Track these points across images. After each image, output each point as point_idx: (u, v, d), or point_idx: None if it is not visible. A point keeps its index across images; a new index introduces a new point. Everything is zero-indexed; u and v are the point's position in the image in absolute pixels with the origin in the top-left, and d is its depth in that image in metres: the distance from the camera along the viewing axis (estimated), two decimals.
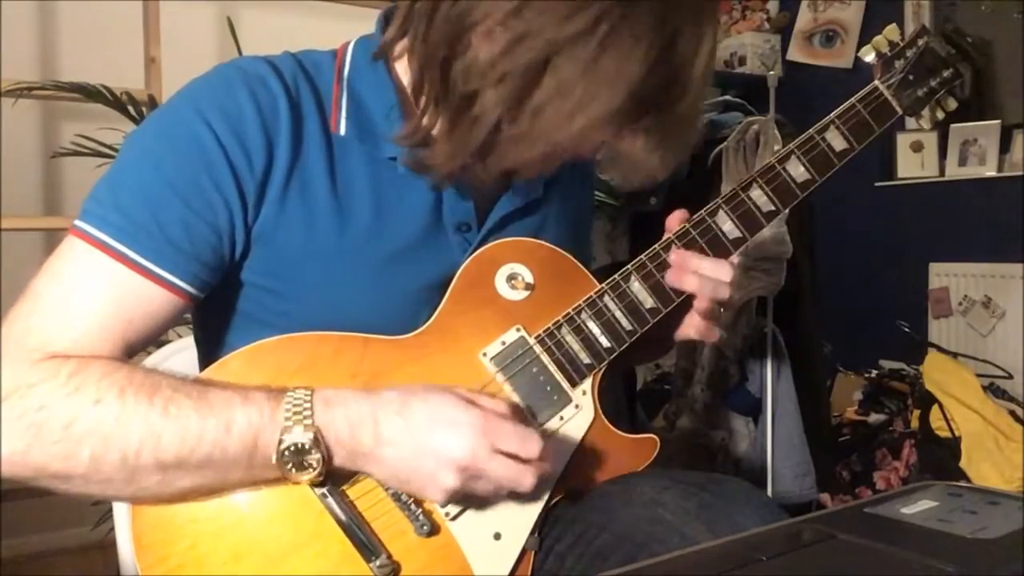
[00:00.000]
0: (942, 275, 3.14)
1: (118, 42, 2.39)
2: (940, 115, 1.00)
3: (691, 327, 0.93)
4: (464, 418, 0.72)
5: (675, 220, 0.91)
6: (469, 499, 0.77)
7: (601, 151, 0.82)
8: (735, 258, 0.90)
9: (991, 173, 3.10)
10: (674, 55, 0.69)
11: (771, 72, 1.92)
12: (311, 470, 0.71)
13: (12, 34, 2.35)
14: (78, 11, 2.46)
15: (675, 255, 0.88)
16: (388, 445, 0.72)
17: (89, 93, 1.95)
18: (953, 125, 3.17)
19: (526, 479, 0.73)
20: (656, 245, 0.89)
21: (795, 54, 3.71)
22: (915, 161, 3.26)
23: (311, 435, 0.70)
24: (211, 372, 0.78)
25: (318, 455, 0.71)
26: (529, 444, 0.73)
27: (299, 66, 0.82)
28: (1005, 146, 3.10)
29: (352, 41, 0.86)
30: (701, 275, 0.87)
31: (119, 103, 1.95)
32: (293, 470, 0.71)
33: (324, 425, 0.71)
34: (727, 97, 2.24)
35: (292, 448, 0.70)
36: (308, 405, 0.72)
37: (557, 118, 0.69)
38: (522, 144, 0.72)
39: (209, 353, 0.87)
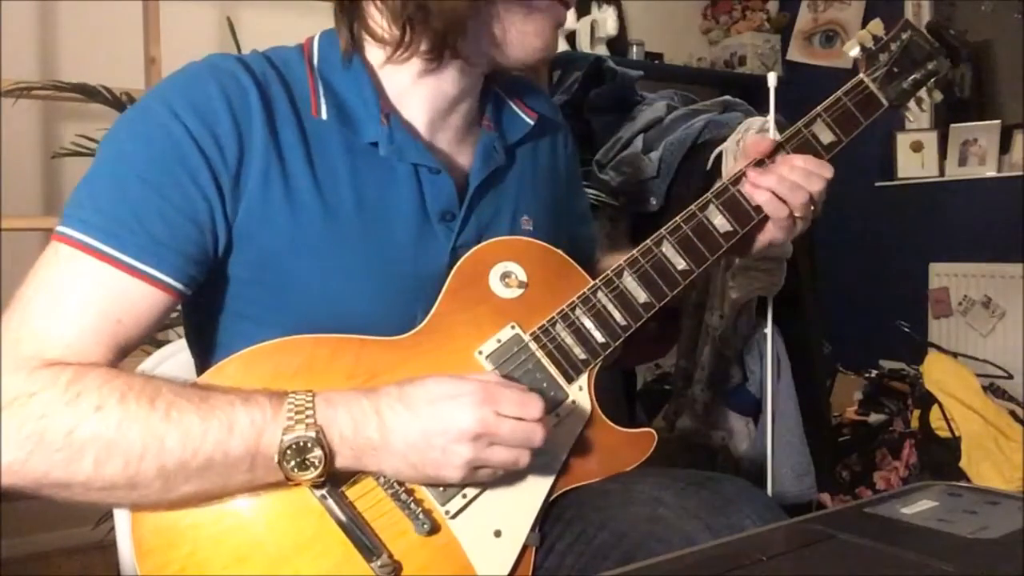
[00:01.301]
0: (942, 275, 3.15)
1: (118, 42, 2.39)
2: (925, 107, 1.02)
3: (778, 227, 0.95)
4: (462, 389, 0.73)
5: (761, 145, 0.93)
6: (485, 478, 0.77)
7: None
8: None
9: (991, 173, 3.10)
10: None
11: (771, 72, 1.91)
12: (312, 469, 0.71)
13: (12, 34, 2.34)
14: (78, 11, 2.46)
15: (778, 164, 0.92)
16: (395, 433, 0.73)
17: (89, 93, 1.95)
18: (953, 125, 3.17)
19: (537, 435, 0.74)
20: (648, 240, 0.90)
21: (795, 54, 3.71)
22: (915, 161, 3.27)
23: (313, 433, 0.71)
24: (208, 376, 0.77)
25: (320, 453, 0.71)
26: (530, 404, 0.75)
27: (268, 62, 0.84)
28: (1005, 146, 3.10)
29: (316, 35, 0.88)
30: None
31: (119, 103, 1.96)
32: (295, 469, 0.71)
33: (326, 423, 0.72)
34: (727, 97, 2.24)
35: (294, 446, 0.70)
36: (310, 405, 0.72)
37: None
38: None
39: (204, 355, 0.87)
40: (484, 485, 0.80)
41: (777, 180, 0.91)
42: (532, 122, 0.95)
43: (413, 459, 0.73)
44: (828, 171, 0.92)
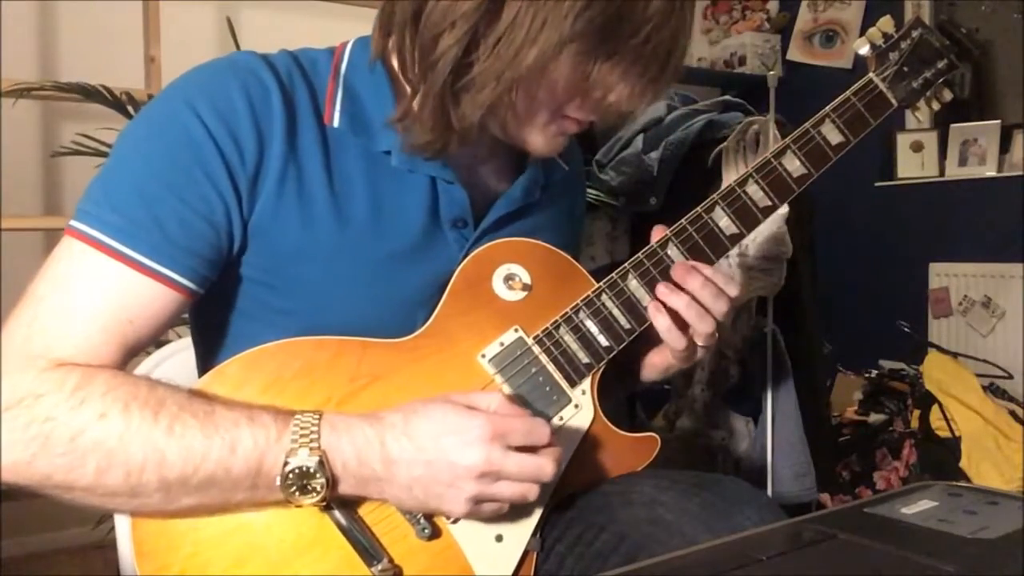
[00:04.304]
0: (942, 275, 3.14)
1: (118, 42, 2.39)
2: (936, 106, 1.00)
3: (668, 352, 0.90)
4: (470, 424, 0.72)
5: (658, 233, 0.90)
6: (490, 512, 0.76)
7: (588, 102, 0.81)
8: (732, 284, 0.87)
9: (991, 173, 3.10)
10: None
11: (771, 72, 1.91)
12: (314, 494, 0.71)
13: (12, 34, 2.34)
14: (78, 11, 2.46)
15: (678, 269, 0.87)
16: (398, 465, 0.72)
17: (89, 93, 1.95)
18: (953, 125, 3.17)
19: (547, 467, 0.74)
20: (654, 243, 0.89)
21: (795, 54, 3.71)
22: (915, 161, 3.26)
23: (317, 459, 0.70)
24: (210, 378, 0.77)
25: (322, 479, 0.70)
26: (538, 431, 0.74)
27: (295, 62, 0.83)
28: (1005, 146, 3.10)
29: (351, 40, 0.87)
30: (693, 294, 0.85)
31: (119, 103, 1.96)
32: (297, 493, 0.70)
33: (330, 449, 0.71)
34: (727, 97, 2.23)
35: (297, 471, 0.70)
36: (315, 428, 0.71)
37: (511, 50, 0.73)
38: (486, 84, 0.75)
39: (207, 354, 0.87)
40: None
41: (686, 304, 0.85)
42: (567, 168, 0.96)
43: (416, 492, 0.73)
44: (733, 289, 0.86)
